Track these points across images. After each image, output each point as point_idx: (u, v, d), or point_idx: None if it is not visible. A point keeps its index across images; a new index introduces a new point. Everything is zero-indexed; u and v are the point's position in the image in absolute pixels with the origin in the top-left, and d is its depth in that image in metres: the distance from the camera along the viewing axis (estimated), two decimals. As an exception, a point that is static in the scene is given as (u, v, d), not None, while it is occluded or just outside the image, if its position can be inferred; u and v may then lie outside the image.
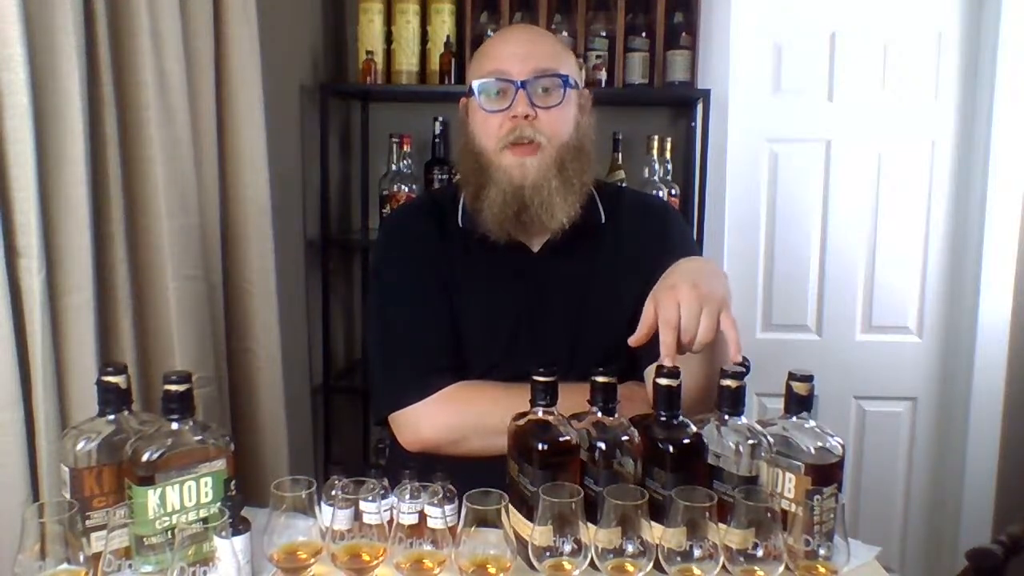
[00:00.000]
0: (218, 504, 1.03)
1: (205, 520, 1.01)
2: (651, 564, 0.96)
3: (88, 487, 1.02)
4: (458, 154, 1.45)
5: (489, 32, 2.34)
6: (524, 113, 1.31)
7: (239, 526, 1.02)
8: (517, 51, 1.33)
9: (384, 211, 2.44)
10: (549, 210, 1.33)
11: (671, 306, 1.11)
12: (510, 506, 1.00)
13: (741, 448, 1.06)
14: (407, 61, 2.41)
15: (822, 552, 1.02)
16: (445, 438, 1.31)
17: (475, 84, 1.35)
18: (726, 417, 1.08)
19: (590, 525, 0.97)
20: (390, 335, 1.40)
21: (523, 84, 1.30)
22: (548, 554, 0.96)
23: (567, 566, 0.96)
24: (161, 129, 1.49)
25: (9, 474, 1.19)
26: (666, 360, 1.08)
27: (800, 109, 2.58)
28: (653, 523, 0.97)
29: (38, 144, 1.20)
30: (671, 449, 1.04)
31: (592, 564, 0.96)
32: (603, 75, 2.36)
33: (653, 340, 1.12)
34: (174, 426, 1.02)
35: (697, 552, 0.95)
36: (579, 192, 1.36)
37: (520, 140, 1.32)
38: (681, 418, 1.07)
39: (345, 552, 1.01)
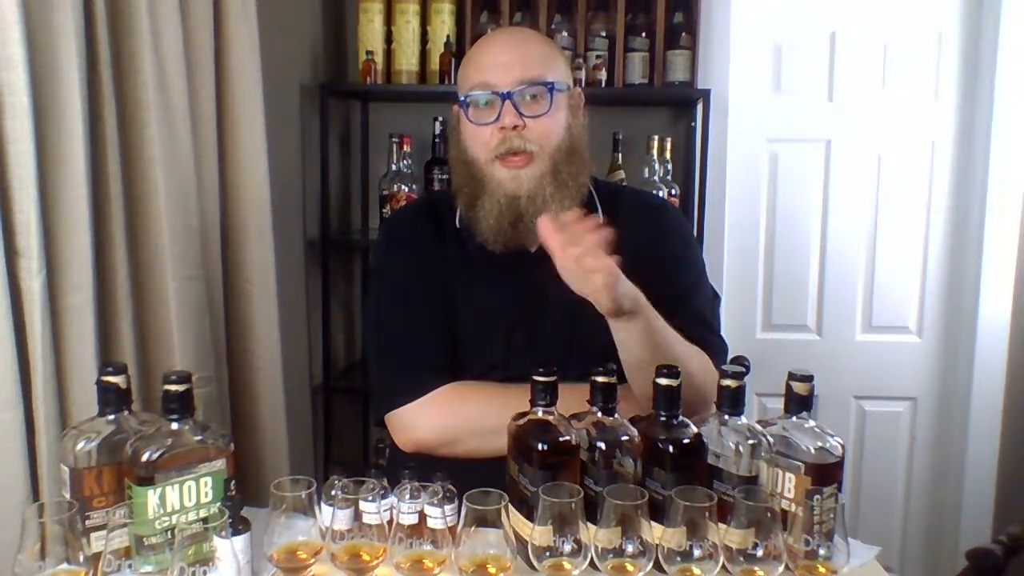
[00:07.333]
0: (218, 504, 1.03)
1: (205, 520, 1.01)
2: (651, 564, 0.96)
3: (88, 487, 1.03)
4: (452, 162, 1.45)
5: (489, 31, 2.34)
6: (512, 124, 1.31)
7: (239, 526, 1.02)
8: (501, 60, 1.33)
9: (384, 211, 2.44)
10: None
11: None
12: (510, 506, 1.00)
13: (741, 448, 1.06)
14: (407, 61, 2.41)
15: (822, 552, 1.03)
16: (439, 439, 1.31)
17: (462, 96, 1.35)
18: (726, 417, 1.08)
19: (590, 525, 0.97)
20: (386, 335, 1.40)
21: (509, 95, 1.30)
22: (548, 554, 0.97)
23: (567, 566, 0.96)
24: (161, 129, 1.49)
25: (9, 474, 1.19)
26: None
27: (800, 109, 2.58)
28: (653, 523, 0.98)
29: (38, 144, 1.20)
30: (671, 449, 1.04)
31: (592, 564, 0.97)
32: (603, 75, 2.36)
33: None
34: (174, 426, 1.02)
35: (697, 552, 0.96)
36: (575, 194, 1.36)
37: (511, 151, 1.32)
38: (681, 418, 1.07)
39: (345, 552, 1.01)
